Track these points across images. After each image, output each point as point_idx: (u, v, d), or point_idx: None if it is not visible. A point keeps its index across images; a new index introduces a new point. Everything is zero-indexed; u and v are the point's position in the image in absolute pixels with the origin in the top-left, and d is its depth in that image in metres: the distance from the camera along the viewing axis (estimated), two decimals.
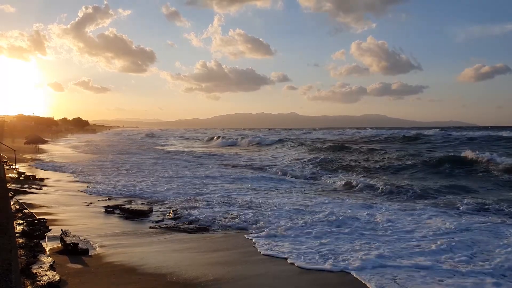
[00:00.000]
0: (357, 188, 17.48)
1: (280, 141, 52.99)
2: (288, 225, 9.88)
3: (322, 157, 30.03)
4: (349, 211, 11.58)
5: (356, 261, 7.26)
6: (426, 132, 61.86)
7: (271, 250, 8.01)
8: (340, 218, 10.52)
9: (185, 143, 73.39)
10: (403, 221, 10.49)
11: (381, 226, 10.05)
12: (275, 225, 9.96)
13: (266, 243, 8.52)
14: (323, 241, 8.63)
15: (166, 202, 13.10)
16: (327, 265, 7.16)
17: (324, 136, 74.94)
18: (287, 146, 45.97)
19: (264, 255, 7.80)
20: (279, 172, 23.36)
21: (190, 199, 13.53)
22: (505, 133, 50.95)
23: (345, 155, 32.23)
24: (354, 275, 6.72)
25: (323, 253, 7.80)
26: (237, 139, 65.56)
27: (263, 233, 9.24)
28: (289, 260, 7.42)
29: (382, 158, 27.94)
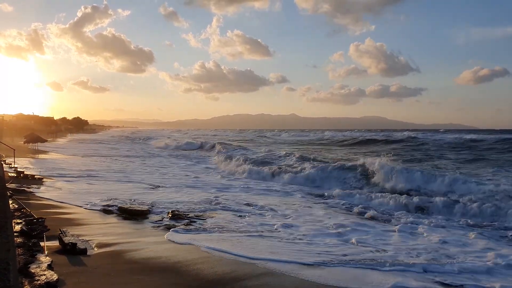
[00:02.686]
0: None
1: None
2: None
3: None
4: None
5: None
6: (400, 134, 66.52)
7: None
8: None
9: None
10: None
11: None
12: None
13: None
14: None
15: (164, 202, 13.10)
16: None
17: (290, 138, 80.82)
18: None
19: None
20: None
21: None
22: (473, 136, 52.90)
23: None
24: None
25: None
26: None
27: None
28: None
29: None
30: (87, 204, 12.40)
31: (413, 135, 60.42)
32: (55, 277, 5.50)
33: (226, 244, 8.48)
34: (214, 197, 14.51)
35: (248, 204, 13.31)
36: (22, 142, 38.33)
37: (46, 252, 6.96)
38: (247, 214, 11.82)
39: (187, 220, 10.61)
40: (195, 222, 10.51)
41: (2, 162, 20.03)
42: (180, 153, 42.38)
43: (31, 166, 22.95)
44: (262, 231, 9.73)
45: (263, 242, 8.72)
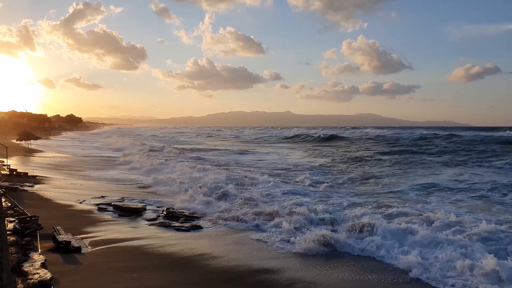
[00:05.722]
0: None
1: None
2: None
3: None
4: None
5: None
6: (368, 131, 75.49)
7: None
8: None
9: None
10: None
11: None
12: None
13: None
14: None
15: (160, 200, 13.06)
16: None
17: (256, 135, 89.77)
18: None
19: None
20: None
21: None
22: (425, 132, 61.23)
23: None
24: None
25: None
26: None
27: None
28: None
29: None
30: (81, 202, 12.31)
31: (379, 133, 65.28)
32: (48, 275, 5.44)
33: (220, 241, 8.48)
34: None
35: None
36: (15, 140, 37.98)
37: (39, 250, 6.90)
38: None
39: (182, 218, 10.58)
40: (190, 220, 10.48)
41: None
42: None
43: (24, 164, 22.74)
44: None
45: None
